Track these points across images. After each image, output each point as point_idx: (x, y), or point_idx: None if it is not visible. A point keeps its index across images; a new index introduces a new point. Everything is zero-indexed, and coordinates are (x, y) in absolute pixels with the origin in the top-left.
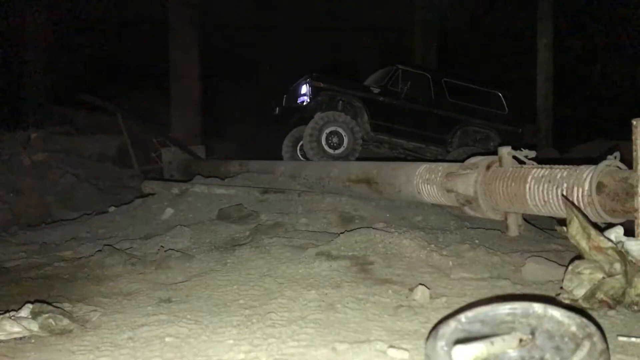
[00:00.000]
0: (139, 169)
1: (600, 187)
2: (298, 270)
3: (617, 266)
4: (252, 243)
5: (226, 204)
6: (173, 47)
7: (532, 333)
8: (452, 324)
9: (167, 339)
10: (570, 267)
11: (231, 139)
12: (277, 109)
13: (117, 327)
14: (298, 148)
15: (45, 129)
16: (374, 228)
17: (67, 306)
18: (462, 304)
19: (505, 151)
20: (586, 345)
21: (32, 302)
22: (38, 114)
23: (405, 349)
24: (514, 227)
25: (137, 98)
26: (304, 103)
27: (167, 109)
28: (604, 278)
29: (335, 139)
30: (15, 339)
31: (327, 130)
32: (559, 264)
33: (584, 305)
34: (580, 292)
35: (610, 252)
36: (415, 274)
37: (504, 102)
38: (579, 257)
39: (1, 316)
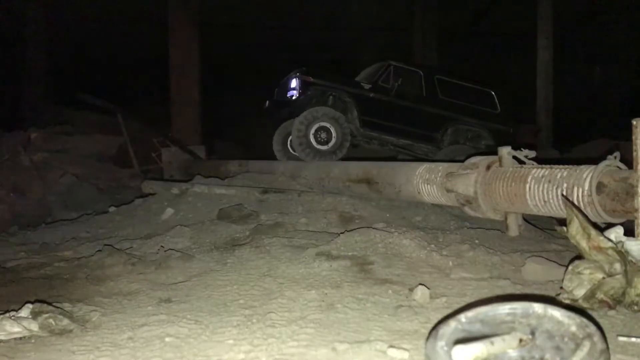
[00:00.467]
0: (139, 169)
1: (600, 187)
2: (298, 270)
3: (617, 266)
4: (252, 243)
5: (226, 204)
6: (173, 47)
7: (532, 333)
8: (452, 324)
9: (167, 339)
10: (570, 267)
11: (231, 139)
12: (267, 101)
13: (117, 327)
14: (289, 142)
15: (45, 129)
16: (374, 228)
17: (67, 306)
18: (462, 304)
19: (505, 151)
20: (586, 345)
21: (32, 302)
22: (38, 114)
23: (405, 349)
24: (514, 227)
25: (138, 98)
26: (293, 97)
27: (167, 109)
28: (604, 278)
29: (323, 135)
30: (15, 339)
31: (316, 126)
32: (559, 264)
33: (584, 305)
34: (580, 292)
35: (610, 252)
36: (415, 274)
37: (497, 101)
38: (579, 257)
39: (1, 316)
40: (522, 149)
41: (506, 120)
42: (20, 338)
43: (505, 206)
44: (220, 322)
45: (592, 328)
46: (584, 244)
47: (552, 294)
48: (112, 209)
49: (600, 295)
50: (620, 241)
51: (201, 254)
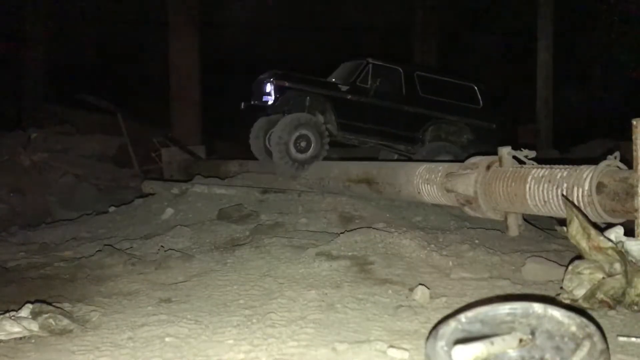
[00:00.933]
0: (139, 169)
1: (600, 187)
2: (298, 270)
3: (617, 266)
4: (252, 243)
5: (226, 204)
6: (173, 47)
7: (532, 333)
8: (452, 324)
9: (167, 339)
10: (570, 267)
11: (231, 139)
12: (243, 104)
13: (117, 327)
14: (266, 139)
15: (45, 129)
16: (374, 228)
17: (67, 306)
18: (462, 304)
19: (505, 151)
20: (586, 345)
21: (32, 302)
22: (38, 114)
23: (405, 349)
24: (514, 227)
25: (138, 98)
26: (269, 102)
27: (167, 109)
28: (604, 278)
29: (303, 144)
30: (15, 339)
31: (296, 134)
32: (559, 264)
33: (584, 305)
34: (580, 292)
35: (610, 252)
36: (415, 274)
37: (479, 96)
38: (579, 257)
39: (1, 316)
40: (522, 149)
41: (489, 116)
42: (20, 338)
43: (505, 206)
44: (220, 322)
45: (592, 328)
46: (584, 244)
47: (552, 294)
48: (112, 209)
49: (600, 295)
50: (620, 241)
51: (201, 254)
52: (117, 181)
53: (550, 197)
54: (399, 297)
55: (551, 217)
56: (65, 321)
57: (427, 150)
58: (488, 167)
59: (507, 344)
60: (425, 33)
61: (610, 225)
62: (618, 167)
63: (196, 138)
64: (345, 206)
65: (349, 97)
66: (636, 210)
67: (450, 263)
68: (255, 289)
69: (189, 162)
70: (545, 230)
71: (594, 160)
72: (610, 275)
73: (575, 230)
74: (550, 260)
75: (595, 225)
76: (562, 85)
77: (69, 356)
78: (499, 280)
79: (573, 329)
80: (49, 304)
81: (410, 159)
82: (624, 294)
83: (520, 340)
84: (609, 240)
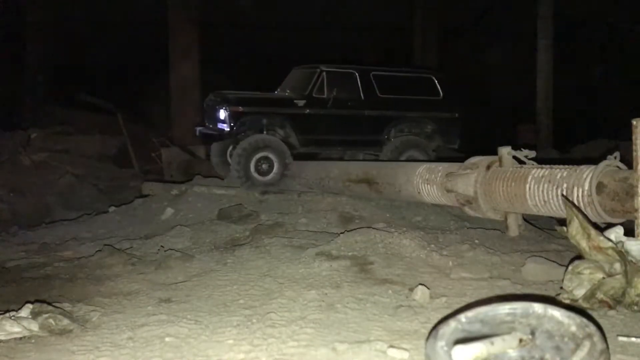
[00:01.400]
0: (139, 169)
1: (600, 187)
2: (298, 270)
3: (617, 266)
4: (252, 243)
5: (226, 204)
6: (173, 47)
7: (532, 333)
8: (452, 324)
9: (167, 339)
10: (570, 267)
11: None
12: (197, 130)
13: (117, 327)
14: (227, 156)
15: (45, 129)
16: (374, 228)
17: (67, 306)
18: (462, 304)
19: (505, 151)
20: (586, 345)
21: (32, 302)
22: (38, 114)
23: (405, 349)
24: (514, 227)
25: (137, 98)
26: (225, 130)
27: (167, 109)
28: (604, 278)
29: (265, 166)
30: (15, 339)
31: (257, 157)
32: (559, 264)
33: (584, 305)
34: (580, 292)
35: (610, 252)
36: (415, 274)
37: (438, 86)
38: (579, 257)
39: (1, 316)
40: (522, 149)
41: (451, 106)
42: (20, 338)
43: (505, 206)
44: (220, 322)
45: (592, 328)
46: (584, 244)
47: (552, 294)
48: (112, 209)
49: (600, 295)
50: (620, 241)
51: (201, 254)
52: (117, 181)
53: (550, 197)
54: (399, 297)
55: (551, 217)
56: (65, 321)
57: (394, 147)
58: (488, 167)
59: (507, 344)
60: (425, 33)
61: (610, 225)
62: (618, 167)
63: (196, 138)
64: (345, 206)
65: (307, 111)
66: (636, 210)
67: (450, 263)
68: (255, 289)
69: (189, 163)
70: (545, 230)
71: (594, 160)
72: (610, 275)
73: (575, 230)
74: (550, 260)
75: (595, 225)
76: (562, 85)
77: (69, 356)
78: (499, 280)
79: (573, 329)
80: (49, 304)
81: (377, 157)
82: (624, 294)
83: (520, 340)
84: (609, 240)
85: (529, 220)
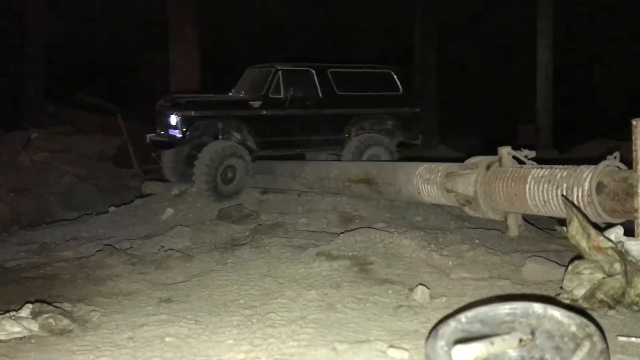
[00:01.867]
0: (139, 169)
1: (600, 187)
2: (298, 270)
3: (617, 266)
4: (252, 243)
5: (226, 203)
6: (173, 47)
7: (532, 333)
8: (452, 324)
9: (167, 339)
10: (570, 267)
11: None
12: (148, 138)
13: (117, 327)
14: (181, 163)
15: (45, 129)
16: (374, 228)
17: (67, 306)
18: (462, 304)
19: (505, 151)
20: (586, 345)
21: (32, 302)
22: (38, 114)
23: (405, 349)
24: (514, 227)
25: (138, 98)
26: (177, 136)
27: None
28: (603, 278)
29: (230, 174)
30: (15, 338)
31: (224, 165)
32: (559, 264)
33: (584, 305)
34: (580, 292)
35: (610, 252)
36: (415, 274)
37: (397, 81)
38: (579, 257)
39: (1, 316)
40: (522, 149)
41: (411, 101)
42: (21, 338)
43: (505, 206)
44: (220, 322)
45: (592, 328)
46: (583, 244)
47: (552, 294)
48: (112, 209)
49: (600, 295)
50: (620, 241)
51: (201, 254)
52: (117, 181)
53: (550, 197)
54: (399, 297)
55: (551, 217)
56: (65, 321)
57: (355, 145)
58: (488, 167)
59: (507, 344)
60: (425, 32)
61: (610, 225)
62: (618, 167)
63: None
64: (345, 206)
65: (263, 112)
66: (636, 210)
67: (450, 263)
68: (255, 289)
69: None
70: (545, 230)
71: (593, 160)
72: (610, 275)
73: (575, 230)
74: (550, 260)
75: (595, 225)
76: (562, 85)
77: (69, 356)
78: (499, 280)
79: (573, 329)
80: (49, 304)
81: (339, 157)
82: (624, 294)
83: (520, 340)
84: (609, 240)
85: (529, 220)
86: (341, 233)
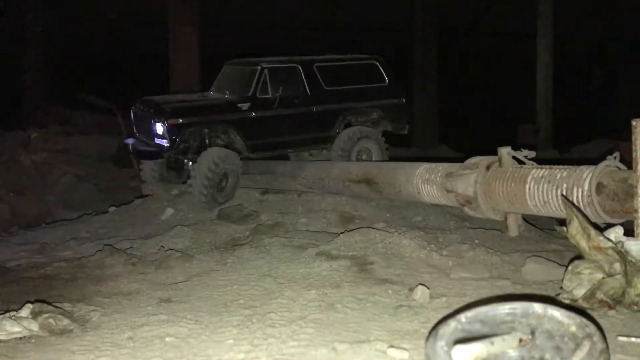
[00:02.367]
0: (139, 169)
1: (600, 187)
2: (298, 270)
3: (617, 266)
4: (252, 243)
5: (226, 203)
6: (173, 47)
7: (532, 333)
8: (452, 324)
9: (167, 339)
10: (570, 267)
11: None
12: (130, 145)
13: (117, 327)
14: (165, 168)
15: (45, 129)
16: (374, 228)
17: (67, 306)
18: (462, 304)
19: (505, 151)
20: (586, 345)
21: (32, 302)
22: (38, 114)
23: (405, 349)
24: (514, 227)
25: (137, 98)
26: (165, 145)
27: None
28: (603, 278)
29: (224, 183)
30: (15, 338)
31: (222, 172)
32: (559, 264)
33: (584, 305)
34: (580, 292)
35: (610, 252)
36: (415, 274)
37: (383, 72)
38: (579, 257)
39: (1, 316)
40: (522, 149)
41: (397, 92)
42: (21, 338)
43: (505, 206)
44: (220, 322)
45: (592, 328)
46: (583, 244)
47: (552, 294)
48: (112, 209)
49: (600, 295)
50: (620, 241)
51: (201, 254)
52: (117, 181)
53: (550, 197)
54: (399, 297)
55: (551, 217)
56: (65, 321)
57: (344, 139)
58: (488, 167)
59: (507, 344)
60: (425, 32)
61: (610, 225)
62: (618, 167)
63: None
64: (345, 206)
65: (252, 115)
66: (636, 211)
67: (450, 263)
68: (255, 289)
69: None
70: (545, 230)
71: (593, 161)
72: (610, 275)
73: (575, 230)
74: (550, 260)
75: (595, 225)
76: (562, 85)
77: (69, 356)
78: (499, 280)
79: (573, 329)
80: (49, 304)
81: (328, 153)
82: (623, 294)
83: (520, 340)
84: (609, 240)
85: (529, 220)
86: (341, 233)
